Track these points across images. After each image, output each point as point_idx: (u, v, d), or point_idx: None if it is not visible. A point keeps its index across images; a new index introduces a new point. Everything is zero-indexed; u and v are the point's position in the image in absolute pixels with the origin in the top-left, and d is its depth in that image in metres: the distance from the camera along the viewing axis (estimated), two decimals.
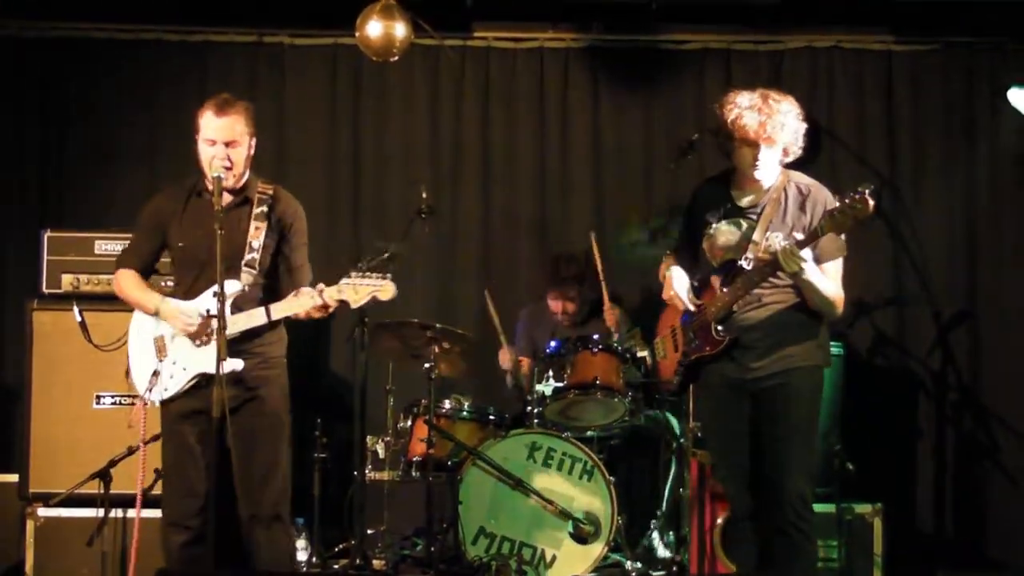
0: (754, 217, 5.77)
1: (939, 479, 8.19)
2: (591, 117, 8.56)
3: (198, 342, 5.76)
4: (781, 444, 5.73)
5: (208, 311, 5.64)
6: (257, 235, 5.84)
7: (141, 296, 5.92)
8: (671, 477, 7.56)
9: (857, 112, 8.43)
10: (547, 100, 8.56)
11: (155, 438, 6.11)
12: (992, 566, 8.13)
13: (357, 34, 7.69)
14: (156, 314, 5.83)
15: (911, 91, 8.48)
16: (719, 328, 5.71)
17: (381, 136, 8.51)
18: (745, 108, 5.68)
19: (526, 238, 8.53)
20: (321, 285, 5.73)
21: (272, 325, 5.84)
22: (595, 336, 7.41)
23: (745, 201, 5.82)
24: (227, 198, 5.79)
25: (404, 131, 8.54)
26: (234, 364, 5.71)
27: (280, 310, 5.78)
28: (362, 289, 5.73)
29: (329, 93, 8.52)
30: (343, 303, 5.77)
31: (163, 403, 5.84)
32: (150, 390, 5.79)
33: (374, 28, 7.63)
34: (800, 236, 5.51)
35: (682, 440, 7.39)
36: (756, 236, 5.71)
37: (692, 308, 5.82)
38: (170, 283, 6.15)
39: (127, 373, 6.01)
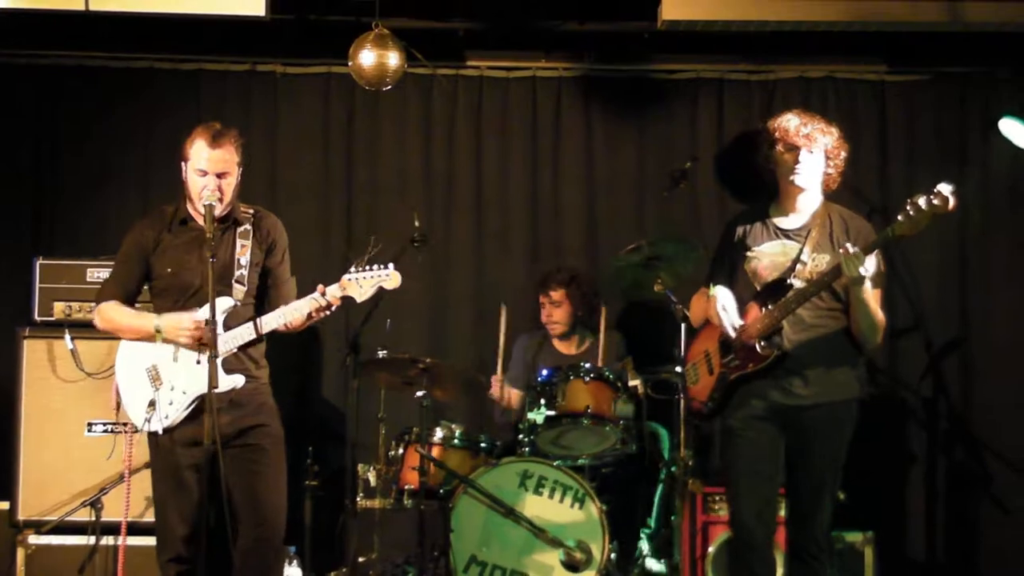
0: (799, 239, 5.85)
1: (930, 507, 8.17)
2: (584, 146, 8.56)
3: (197, 360, 5.73)
4: (818, 477, 5.84)
5: (205, 321, 5.61)
6: (244, 252, 5.87)
7: (135, 320, 5.86)
8: (656, 503, 7.57)
9: (850, 141, 8.31)
10: (540, 129, 8.56)
11: (144, 467, 6.10)
12: None
13: (350, 63, 7.71)
14: (156, 332, 5.76)
15: (904, 121, 8.50)
16: (763, 343, 5.74)
17: (374, 165, 8.51)
18: (789, 116, 5.97)
19: (519, 266, 8.52)
20: (321, 286, 5.75)
21: (260, 339, 5.86)
22: (587, 364, 7.41)
23: (787, 222, 5.94)
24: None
25: (397, 160, 8.53)
26: (234, 381, 5.73)
27: (269, 322, 5.79)
28: (366, 282, 5.78)
29: (322, 122, 8.51)
30: (348, 299, 5.80)
31: (157, 432, 5.77)
32: (148, 420, 5.74)
33: (367, 57, 7.64)
34: (850, 245, 5.56)
35: (674, 468, 7.39)
36: (804, 257, 5.78)
37: (738, 323, 5.84)
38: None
39: (117, 407, 5.97)
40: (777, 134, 5.94)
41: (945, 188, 5.38)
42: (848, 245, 5.57)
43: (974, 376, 8.31)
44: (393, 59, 7.67)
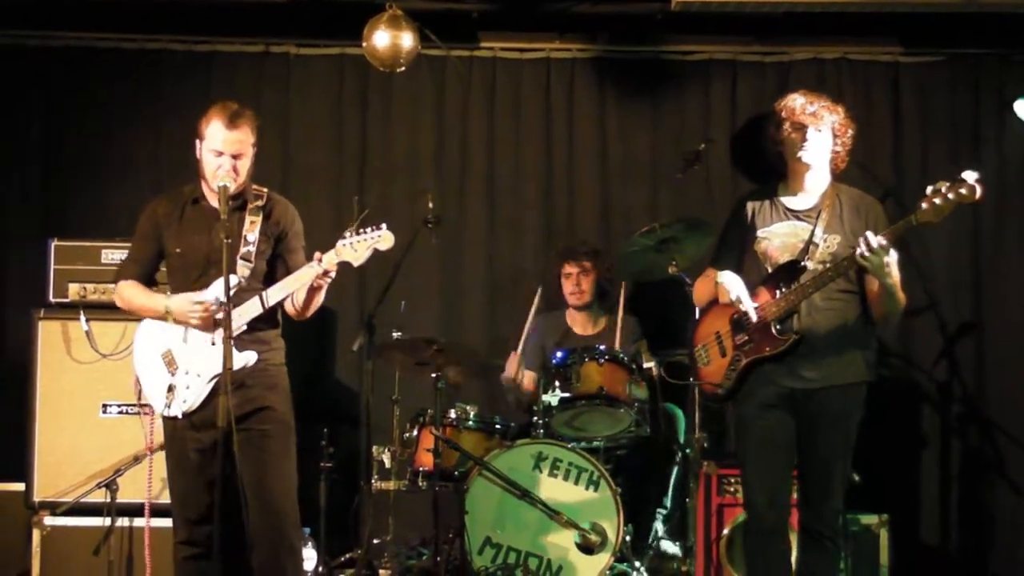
0: (810, 220, 5.86)
1: (945, 490, 8.18)
2: (597, 127, 8.55)
3: (212, 341, 5.68)
4: (829, 462, 5.84)
5: (217, 299, 5.59)
6: (252, 228, 5.81)
7: (146, 300, 5.85)
8: (672, 486, 7.58)
9: (864, 123, 8.35)
10: (553, 110, 8.55)
11: (159, 448, 6.09)
12: None
13: (364, 44, 7.71)
14: (166, 313, 5.74)
15: (918, 102, 8.48)
16: (778, 327, 5.75)
17: (387, 146, 8.50)
18: (795, 96, 5.98)
19: (532, 247, 8.52)
20: (318, 253, 5.66)
21: (270, 319, 5.84)
22: (601, 347, 7.41)
23: (797, 203, 5.94)
24: None
25: (410, 141, 8.53)
26: (246, 358, 5.70)
27: (274, 294, 5.74)
28: (360, 245, 5.66)
29: (336, 103, 8.50)
30: (346, 264, 5.70)
31: (176, 416, 5.73)
32: (168, 406, 5.71)
33: (381, 38, 7.64)
34: (873, 236, 5.52)
35: (688, 451, 7.39)
36: (816, 238, 5.79)
37: (753, 314, 5.83)
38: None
39: (139, 395, 5.96)
40: (784, 113, 5.94)
41: (970, 176, 5.34)
42: (869, 236, 5.52)
43: (988, 360, 8.29)
44: (407, 40, 7.67)
